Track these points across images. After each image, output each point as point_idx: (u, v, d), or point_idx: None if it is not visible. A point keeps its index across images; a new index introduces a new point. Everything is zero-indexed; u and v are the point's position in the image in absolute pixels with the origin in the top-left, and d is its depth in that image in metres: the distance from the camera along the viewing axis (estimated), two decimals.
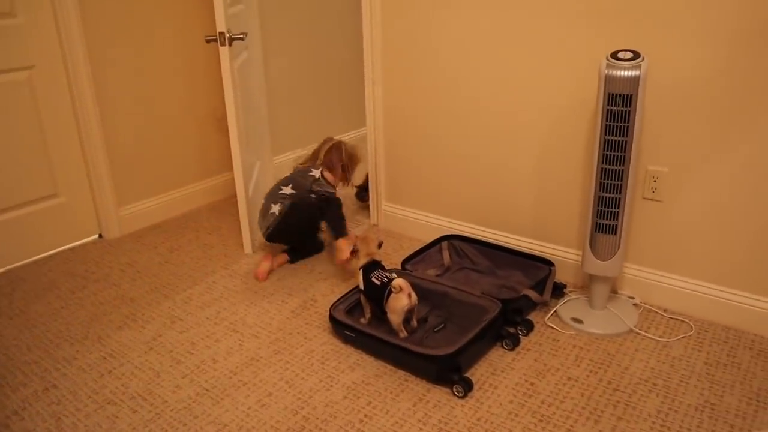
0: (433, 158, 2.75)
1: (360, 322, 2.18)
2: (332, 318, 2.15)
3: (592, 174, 2.03)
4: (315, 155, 2.87)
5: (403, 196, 2.95)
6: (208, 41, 2.54)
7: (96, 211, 3.05)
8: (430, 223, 2.86)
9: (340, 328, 2.13)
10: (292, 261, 2.75)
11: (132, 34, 2.95)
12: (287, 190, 2.62)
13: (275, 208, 2.59)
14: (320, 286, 2.54)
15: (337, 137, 2.97)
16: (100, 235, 3.10)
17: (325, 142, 2.89)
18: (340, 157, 2.83)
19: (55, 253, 2.93)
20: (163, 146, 3.21)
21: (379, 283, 2.13)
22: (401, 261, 2.50)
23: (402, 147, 2.84)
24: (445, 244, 2.65)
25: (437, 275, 2.51)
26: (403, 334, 2.09)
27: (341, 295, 2.30)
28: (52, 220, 2.91)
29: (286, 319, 2.30)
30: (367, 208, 3.16)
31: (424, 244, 2.64)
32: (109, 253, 2.91)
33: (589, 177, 2.29)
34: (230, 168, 2.97)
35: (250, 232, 2.82)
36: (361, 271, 2.22)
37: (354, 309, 2.24)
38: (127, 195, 3.10)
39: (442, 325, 2.19)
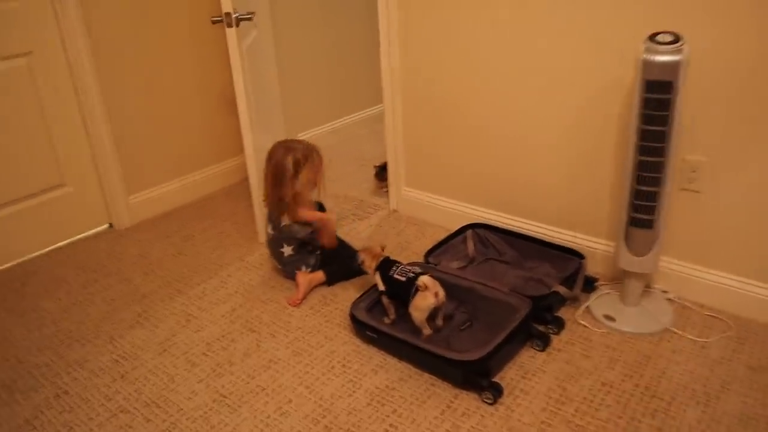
0: (455, 139, 2.62)
1: (384, 322, 2.08)
2: (353, 318, 2.06)
3: (628, 165, 1.90)
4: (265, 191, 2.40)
5: (424, 181, 2.83)
6: (214, 22, 2.40)
7: (105, 200, 2.95)
8: (453, 210, 2.74)
9: (361, 328, 2.04)
10: (329, 283, 2.41)
11: (136, 14, 2.81)
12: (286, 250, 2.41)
13: (287, 249, 2.40)
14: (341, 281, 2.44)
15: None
16: (111, 225, 3.01)
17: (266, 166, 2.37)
18: (283, 176, 2.28)
19: (66, 245, 2.85)
20: (173, 130, 3.09)
21: (404, 279, 2.02)
22: (424, 253, 2.39)
23: (422, 127, 2.71)
24: (469, 233, 2.54)
25: (461, 267, 2.41)
26: (428, 331, 2.00)
27: (363, 292, 2.20)
28: (60, 210, 2.82)
29: (305, 317, 2.21)
30: (387, 190, 3.03)
31: (448, 234, 2.52)
32: (120, 244, 2.83)
33: (623, 165, 2.16)
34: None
35: (263, 220, 2.71)
36: (377, 272, 2.11)
37: (376, 306, 2.15)
38: (136, 182, 3.00)
39: (468, 323, 2.09)
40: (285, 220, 2.34)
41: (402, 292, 2.01)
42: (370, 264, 2.16)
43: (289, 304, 2.28)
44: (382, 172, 3.11)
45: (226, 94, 3.26)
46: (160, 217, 3.08)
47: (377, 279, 2.11)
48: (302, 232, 2.36)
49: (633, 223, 1.95)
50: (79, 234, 2.91)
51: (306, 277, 2.34)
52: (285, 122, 3.45)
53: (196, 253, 2.69)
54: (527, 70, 2.28)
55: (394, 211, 2.97)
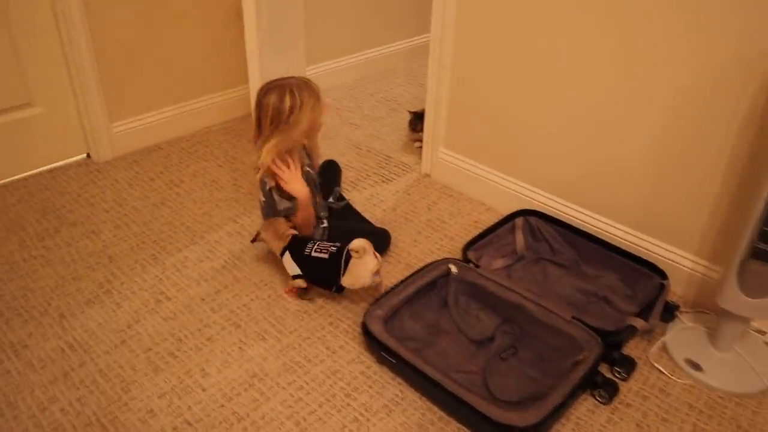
0: (515, 98, 2.07)
1: (405, 346, 1.59)
2: (366, 330, 1.59)
3: (760, 183, 1.37)
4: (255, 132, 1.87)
5: (467, 144, 2.29)
6: None
7: (82, 126, 2.45)
8: (499, 185, 2.22)
9: (376, 346, 1.58)
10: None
11: None
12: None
13: None
14: None
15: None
16: (88, 155, 2.52)
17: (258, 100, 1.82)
18: (277, 119, 1.76)
19: (31, 176, 2.37)
20: (169, 47, 2.54)
21: (326, 255, 1.67)
22: (462, 246, 1.90)
23: (475, 74, 2.15)
24: (519, 221, 2.03)
25: (506, 266, 1.92)
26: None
27: (383, 293, 1.72)
28: (24, 135, 2.32)
29: (305, 315, 1.75)
30: (420, 145, 2.50)
31: (488, 213, 2.02)
32: (94, 182, 2.35)
33: (738, 172, 1.62)
34: None
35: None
36: (287, 253, 1.74)
37: (397, 315, 1.68)
38: (121, 106, 2.49)
39: (513, 350, 1.62)
40: (269, 182, 1.84)
41: (327, 270, 1.66)
42: (276, 245, 1.75)
43: (286, 294, 1.82)
44: (417, 120, 2.56)
45: (238, 6, 2.67)
46: (145, 150, 2.58)
47: (287, 262, 1.73)
48: (282, 205, 1.85)
49: (757, 255, 1.44)
50: (49, 164, 2.43)
51: None
52: (306, 47, 2.88)
53: (181, 206, 2.21)
54: (622, 38, 1.70)
55: (426, 175, 2.45)
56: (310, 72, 3.04)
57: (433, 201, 2.29)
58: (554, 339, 1.59)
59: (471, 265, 1.81)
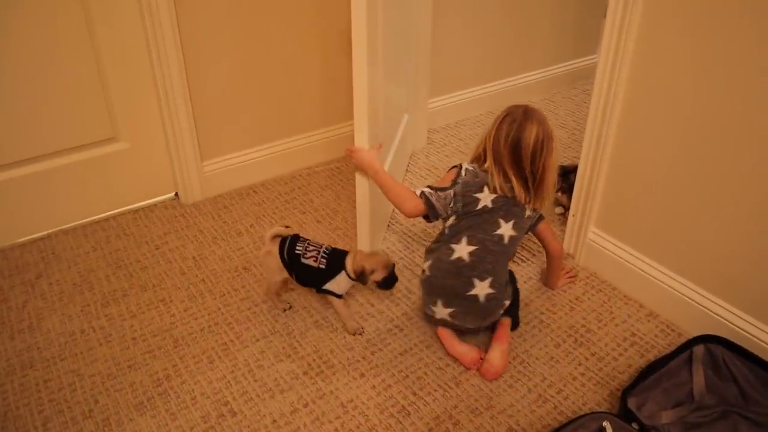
0: (700, 172, 1.53)
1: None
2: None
3: None
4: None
5: (628, 226, 1.77)
6: None
7: (171, 163, 2.17)
8: (666, 286, 1.68)
9: None
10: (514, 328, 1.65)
11: None
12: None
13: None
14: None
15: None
16: (176, 195, 2.24)
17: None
18: (539, 153, 1.48)
19: (116, 215, 2.13)
20: (268, 78, 2.20)
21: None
22: (622, 390, 1.39)
23: (650, 134, 1.62)
24: (699, 351, 1.49)
25: (680, 420, 1.39)
26: None
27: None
28: (110, 172, 2.07)
29: None
30: (565, 213, 1.99)
31: (659, 342, 1.50)
32: (177, 231, 2.06)
33: None
34: None
35: (370, 243, 1.81)
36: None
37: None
38: (215, 143, 2.19)
39: None
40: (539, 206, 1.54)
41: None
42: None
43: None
44: (563, 176, 2.04)
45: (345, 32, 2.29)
46: (238, 192, 2.26)
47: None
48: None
49: None
50: (135, 203, 2.17)
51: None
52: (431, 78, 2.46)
53: (263, 279, 1.85)
54: None
55: (569, 256, 1.94)
56: (433, 106, 2.61)
57: (577, 296, 1.78)
58: None
59: (633, 425, 1.30)
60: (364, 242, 1.81)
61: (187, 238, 2.02)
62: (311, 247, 1.58)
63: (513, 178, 1.46)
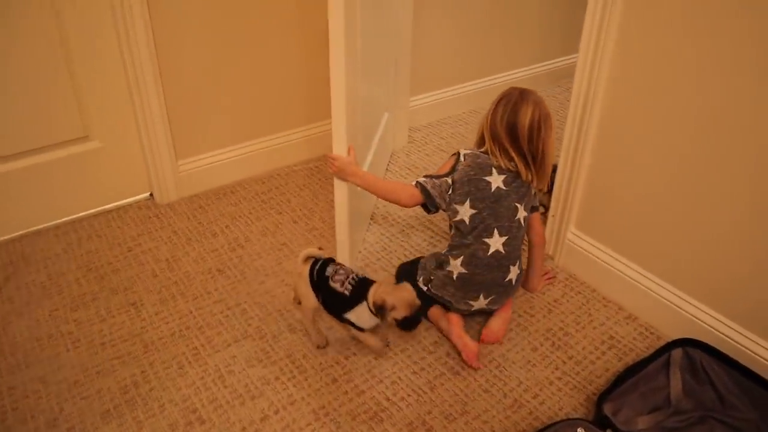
0: (681, 173, 1.51)
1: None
2: None
3: None
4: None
5: (608, 227, 1.75)
6: None
7: (145, 163, 2.12)
8: (646, 288, 1.66)
9: None
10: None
11: None
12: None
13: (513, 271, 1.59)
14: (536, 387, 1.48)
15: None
16: (151, 195, 2.19)
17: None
18: (539, 131, 1.49)
19: (89, 216, 2.08)
20: (246, 75, 2.16)
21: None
22: (598, 395, 1.37)
23: (629, 134, 1.60)
24: (677, 355, 1.48)
25: (657, 425, 1.37)
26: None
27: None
28: (82, 171, 2.02)
29: None
30: (544, 213, 1.97)
31: (634, 342, 1.48)
32: (150, 232, 2.02)
33: None
34: None
35: (349, 246, 1.78)
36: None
37: None
38: (190, 142, 2.15)
39: None
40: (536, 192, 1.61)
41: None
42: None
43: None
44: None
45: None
46: (214, 192, 2.23)
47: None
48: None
49: None
50: (109, 203, 2.12)
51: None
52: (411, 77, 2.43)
53: (241, 277, 1.82)
54: None
55: (548, 257, 1.92)
56: (414, 104, 2.58)
57: (556, 298, 1.76)
58: None
59: (605, 420, 1.28)
60: (342, 244, 1.77)
61: (161, 240, 1.98)
62: (341, 271, 1.48)
63: (515, 156, 1.48)
